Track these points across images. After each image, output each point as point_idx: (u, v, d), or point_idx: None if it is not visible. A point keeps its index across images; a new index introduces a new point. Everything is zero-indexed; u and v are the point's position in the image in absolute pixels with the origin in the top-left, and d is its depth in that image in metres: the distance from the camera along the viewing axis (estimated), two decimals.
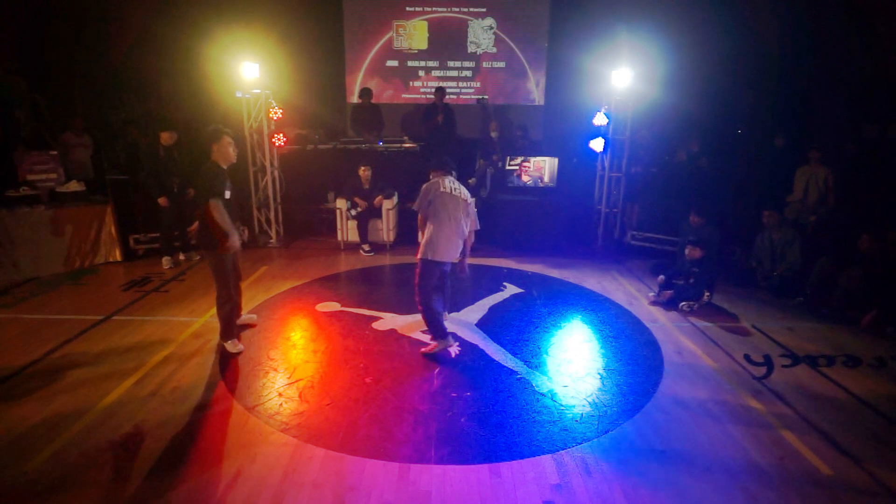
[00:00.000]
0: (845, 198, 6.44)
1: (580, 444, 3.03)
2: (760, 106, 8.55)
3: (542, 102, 9.47)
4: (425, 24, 9.15)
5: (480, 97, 8.85)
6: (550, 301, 5.29)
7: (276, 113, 7.03)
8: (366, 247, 6.89)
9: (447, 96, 8.41)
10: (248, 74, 6.61)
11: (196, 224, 4.01)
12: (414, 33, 9.19)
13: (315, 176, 7.92)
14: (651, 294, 5.40)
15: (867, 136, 7.30)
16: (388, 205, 6.92)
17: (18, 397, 3.39)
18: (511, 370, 3.86)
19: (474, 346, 4.22)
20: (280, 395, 3.47)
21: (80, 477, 2.67)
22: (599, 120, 7.05)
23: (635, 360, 4.09)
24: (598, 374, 3.85)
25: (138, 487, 2.61)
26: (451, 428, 3.14)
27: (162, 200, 5.93)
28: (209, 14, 8.04)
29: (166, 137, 5.95)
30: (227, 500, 2.55)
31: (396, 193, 7.22)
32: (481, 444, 3.00)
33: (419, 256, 4.01)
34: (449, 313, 4.82)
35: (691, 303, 5.14)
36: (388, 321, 4.67)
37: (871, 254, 5.02)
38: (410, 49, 9.26)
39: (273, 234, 7.34)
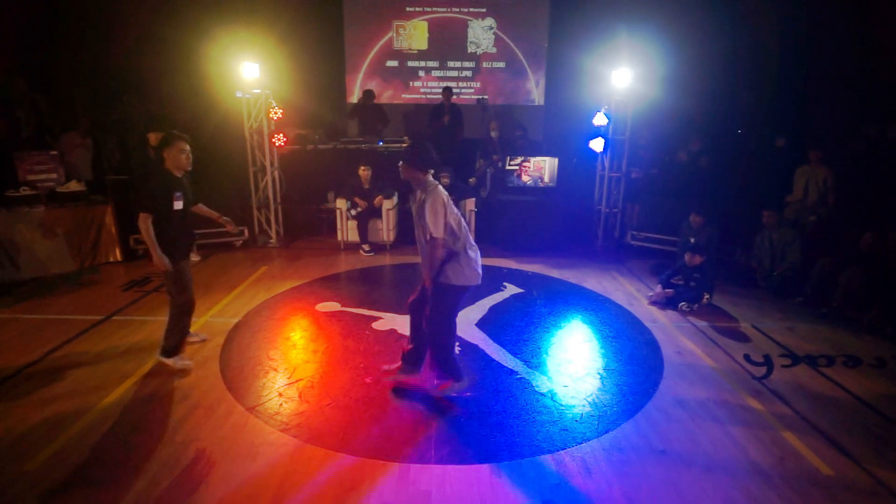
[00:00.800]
0: (845, 198, 6.44)
1: (580, 444, 3.03)
2: (760, 106, 8.54)
3: (541, 102, 9.47)
4: (425, 24, 9.15)
5: (480, 97, 8.85)
6: (550, 301, 5.29)
7: (276, 113, 7.02)
8: (366, 247, 6.89)
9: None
10: (248, 74, 6.62)
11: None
12: (414, 33, 9.19)
13: (315, 176, 7.93)
14: (651, 294, 5.40)
15: (867, 136, 7.29)
16: (388, 205, 6.92)
17: (18, 397, 3.39)
18: (511, 370, 3.86)
19: (474, 346, 4.22)
20: (280, 395, 3.47)
21: (80, 477, 2.67)
22: (599, 120, 7.05)
23: (635, 360, 4.09)
24: (598, 374, 3.85)
25: (138, 488, 2.61)
26: (451, 428, 3.14)
27: (138, 195, 5.86)
28: (209, 14, 8.03)
29: (154, 139, 5.84)
30: (228, 500, 2.54)
31: (396, 193, 7.21)
32: (481, 444, 3.00)
33: (442, 281, 3.19)
34: None
35: (691, 304, 5.14)
36: (388, 321, 4.67)
37: (872, 253, 5.02)
38: (410, 49, 9.26)
39: (273, 234, 7.34)
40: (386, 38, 9.21)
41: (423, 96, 9.39)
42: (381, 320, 4.69)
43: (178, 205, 3.57)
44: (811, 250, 5.64)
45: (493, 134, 7.73)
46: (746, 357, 4.10)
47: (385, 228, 6.97)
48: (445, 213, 3.06)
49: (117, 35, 8.26)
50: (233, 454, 2.87)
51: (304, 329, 4.57)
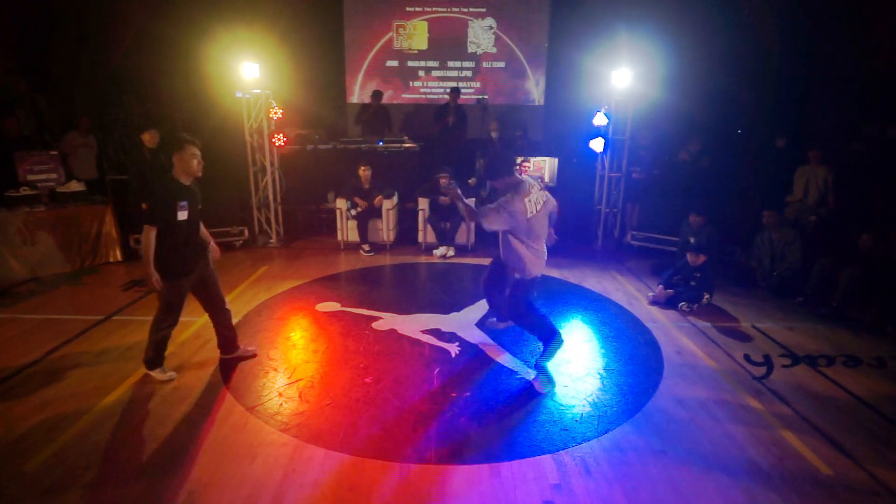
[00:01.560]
0: (845, 198, 6.44)
1: (580, 444, 3.03)
2: (760, 106, 8.54)
3: (541, 102, 9.47)
4: (425, 24, 9.15)
5: (480, 97, 8.85)
6: (550, 301, 5.28)
7: (276, 113, 7.02)
8: (366, 247, 6.89)
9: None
10: (248, 74, 6.61)
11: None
12: (414, 33, 9.20)
13: (315, 176, 7.92)
14: (651, 294, 5.40)
15: (867, 136, 7.30)
16: (388, 205, 6.92)
17: (18, 397, 3.39)
18: (511, 370, 3.85)
19: (474, 346, 4.22)
20: (280, 395, 3.47)
21: (80, 477, 2.67)
22: (599, 120, 7.04)
23: (635, 360, 4.09)
24: (598, 374, 3.85)
25: (138, 488, 2.61)
26: (451, 428, 3.14)
27: (146, 206, 5.85)
28: (209, 14, 8.03)
29: (147, 138, 5.84)
30: (228, 500, 2.54)
31: (396, 193, 7.22)
32: (481, 444, 3.00)
33: (518, 276, 3.50)
34: (449, 313, 4.83)
35: (691, 304, 5.14)
36: (388, 321, 4.67)
37: (872, 253, 5.02)
38: (410, 49, 9.27)
39: (273, 234, 7.34)
40: (386, 37, 9.21)
41: (424, 96, 9.39)
42: (381, 320, 4.69)
43: (183, 215, 3.34)
44: (811, 250, 5.63)
45: (493, 134, 7.73)
46: (746, 357, 4.10)
47: (385, 228, 6.98)
48: (508, 218, 3.23)
49: (117, 35, 8.26)
50: (233, 454, 2.87)
51: (304, 329, 4.57)
